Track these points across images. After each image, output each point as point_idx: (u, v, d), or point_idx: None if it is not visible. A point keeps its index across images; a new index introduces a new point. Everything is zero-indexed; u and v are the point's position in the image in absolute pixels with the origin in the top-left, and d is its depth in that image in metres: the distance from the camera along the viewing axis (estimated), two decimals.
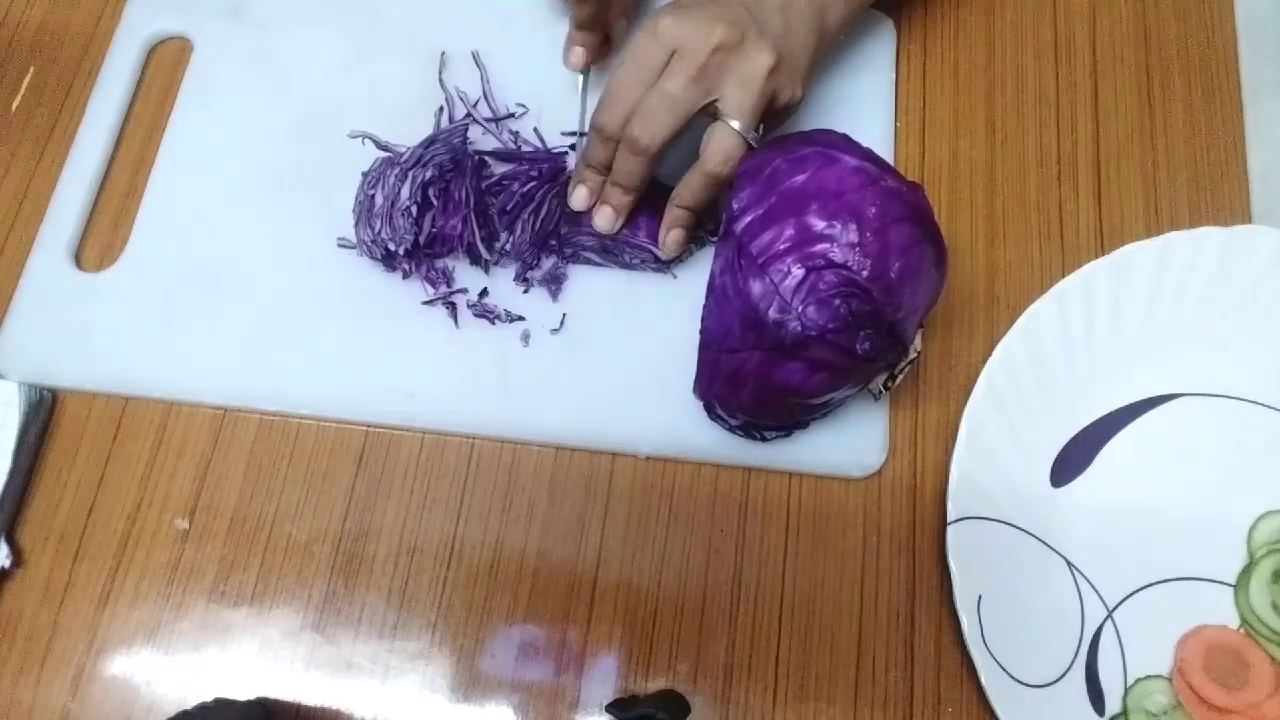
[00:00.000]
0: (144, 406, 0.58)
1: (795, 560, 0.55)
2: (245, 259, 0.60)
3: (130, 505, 0.56)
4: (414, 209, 0.57)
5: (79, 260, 0.61)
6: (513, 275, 0.59)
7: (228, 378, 0.57)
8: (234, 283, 0.59)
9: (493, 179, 0.59)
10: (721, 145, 0.51)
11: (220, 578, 0.55)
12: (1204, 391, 0.57)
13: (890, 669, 0.53)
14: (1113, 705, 0.52)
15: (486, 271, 0.59)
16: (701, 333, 0.50)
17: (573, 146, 0.61)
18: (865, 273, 0.45)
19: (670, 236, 0.56)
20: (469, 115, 0.62)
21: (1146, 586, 0.54)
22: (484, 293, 0.59)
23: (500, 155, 0.61)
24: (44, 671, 0.53)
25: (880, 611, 0.54)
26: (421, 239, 0.57)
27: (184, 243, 0.60)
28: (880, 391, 0.55)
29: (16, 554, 0.55)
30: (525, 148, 0.62)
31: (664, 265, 0.59)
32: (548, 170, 0.59)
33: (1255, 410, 0.57)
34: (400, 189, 0.57)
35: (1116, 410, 0.57)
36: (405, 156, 0.58)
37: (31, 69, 0.66)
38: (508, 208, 0.58)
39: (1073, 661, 0.52)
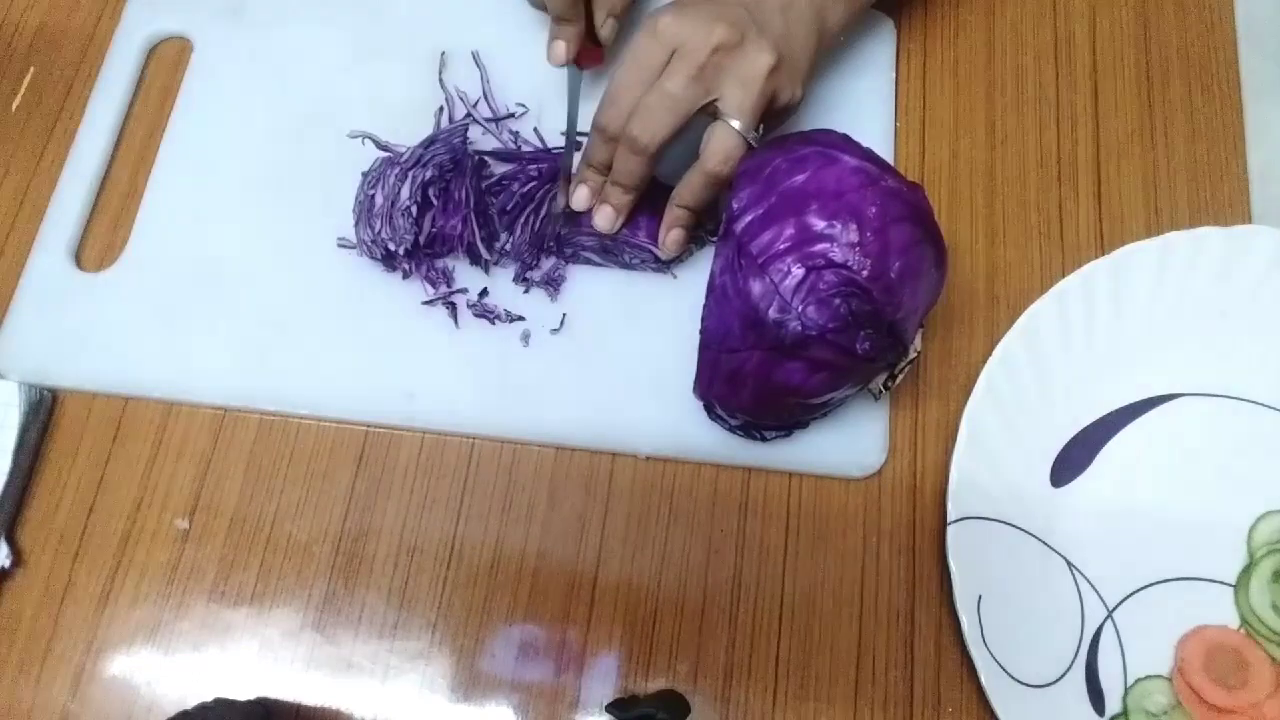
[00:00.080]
0: (144, 406, 0.58)
1: (795, 560, 0.55)
2: (245, 259, 0.60)
3: (130, 505, 0.56)
4: (414, 209, 0.57)
5: (79, 260, 0.61)
6: (512, 275, 0.59)
7: (228, 378, 0.57)
8: (234, 283, 0.59)
9: (493, 179, 0.59)
10: (721, 145, 0.51)
11: (220, 578, 0.55)
12: (1204, 391, 0.57)
13: (890, 669, 0.53)
14: (1113, 705, 0.52)
15: (486, 271, 0.59)
16: (701, 333, 0.50)
17: (563, 147, 0.61)
18: (865, 272, 0.45)
19: (670, 236, 0.56)
20: (469, 115, 0.62)
21: (1146, 586, 0.54)
22: (484, 293, 0.59)
23: (500, 155, 0.61)
24: (44, 671, 0.53)
25: (880, 611, 0.54)
26: (421, 239, 0.57)
27: (184, 243, 0.60)
28: (880, 391, 0.55)
29: (16, 554, 0.55)
30: (525, 148, 0.62)
31: (664, 265, 0.59)
32: (548, 170, 0.59)
33: (1255, 410, 0.57)
34: (400, 189, 0.57)
35: (1116, 410, 0.57)
36: (405, 156, 0.58)
37: (31, 69, 0.66)
38: (508, 208, 0.58)
39: (1073, 661, 0.52)
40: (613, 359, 0.57)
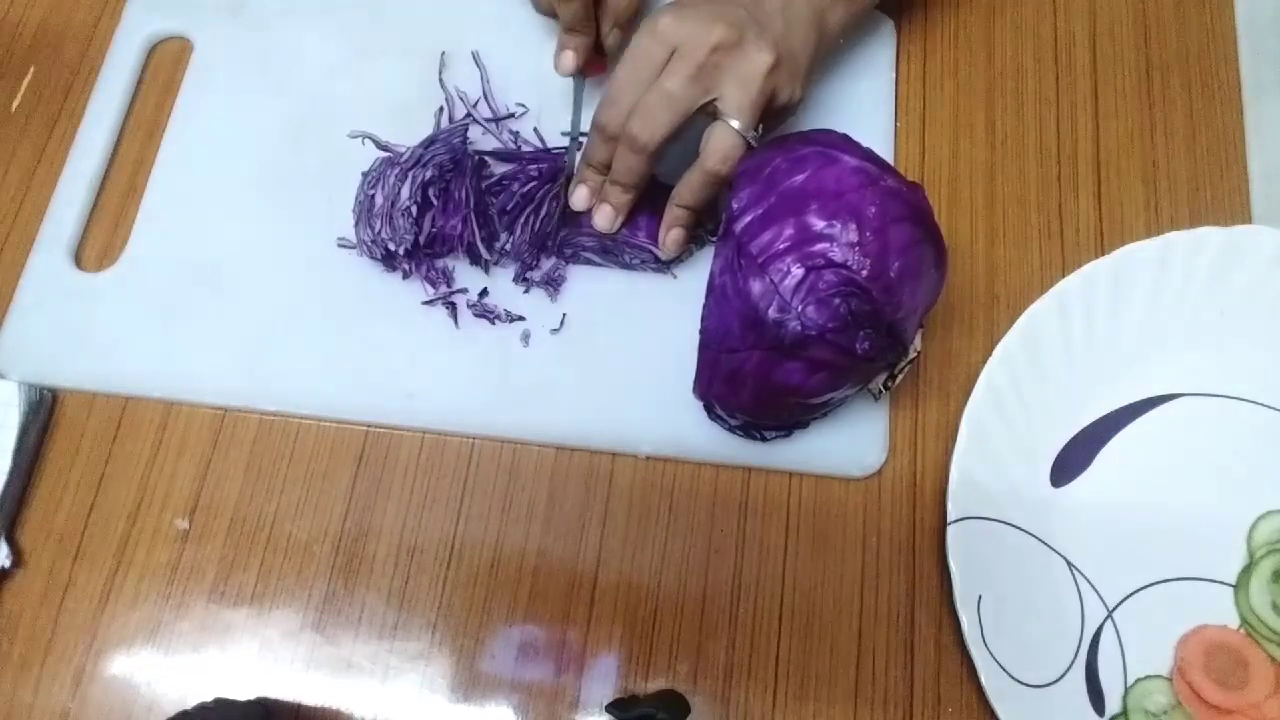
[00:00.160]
0: (144, 406, 0.58)
1: (795, 560, 0.55)
2: (245, 259, 0.60)
3: (130, 505, 0.56)
4: (414, 209, 0.57)
5: (79, 260, 0.61)
6: (512, 275, 0.59)
7: (228, 378, 0.57)
8: (234, 283, 0.59)
9: (493, 179, 0.59)
10: (721, 144, 0.51)
11: (220, 578, 0.55)
12: (1204, 391, 0.57)
13: (890, 669, 0.53)
14: (1113, 705, 0.52)
15: (486, 271, 0.59)
16: (701, 332, 0.50)
17: (564, 148, 0.61)
18: (865, 272, 0.45)
19: (670, 236, 0.56)
20: (469, 115, 0.62)
21: (1146, 586, 0.54)
22: (484, 293, 0.59)
23: (500, 155, 0.61)
24: (44, 671, 0.53)
25: (880, 611, 0.54)
26: (421, 239, 0.57)
27: (184, 243, 0.60)
28: (880, 391, 0.55)
29: (16, 554, 0.55)
30: (525, 148, 0.62)
31: (664, 265, 0.59)
32: (548, 170, 0.59)
33: (1255, 410, 0.57)
34: (400, 189, 0.57)
35: (1116, 410, 0.57)
36: (405, 156, 0.58)
37: (31, 69, 0.66)
38: (508, 208, 0.58)
39: (1073, 661, 0.52)
40: (613, 359, 0.57)
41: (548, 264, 0.59)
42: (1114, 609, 0.53)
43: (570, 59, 0.58)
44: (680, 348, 0.55)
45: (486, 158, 0.60)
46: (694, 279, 0.58)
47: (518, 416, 0.56)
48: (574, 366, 0.57)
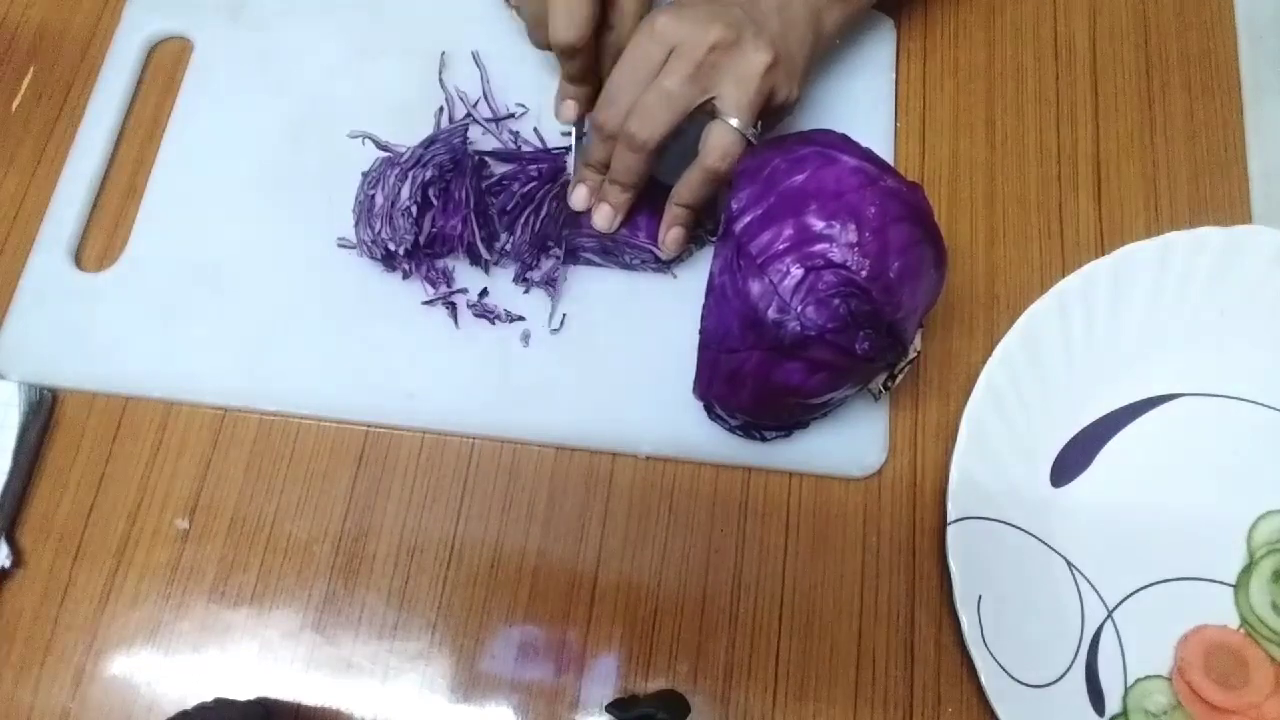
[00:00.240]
0: (144, 406, 0.58)
1: (795, 560, 0.55)
2: (245, 259, 0.60)
3: (130, 505, 0.56)
4: (414, 209, 0.57)
5: (79, 260, 0.61)
6: (512, 275, 0.59)
7: (228, 378, 0.57)
8: (234, 283, 0.59)
9: (493, 179, 0.59)
10: (720, 142, 0.51)
11: (220, 578, 0.55)
12: (1204, 391, 0.57)
13: (890, 669, 0.53)
14: (1113, 705, 0.52)
15: (486, 271, 0.59)
16: (701, 332, 0.50)
17: (564, 148, 0.61)
18: (864, 273, 0.45)
19: (670, 235, 0.56)
20: (469, 115, 0.62)
21: (1146, 586, 0.54)
22: (484, 293, 0.59)
23: (500, 155, 0.61)
24: (44, 671, 0.53)
25: (880, 611, 0.54)
26: (421, 239, 0.57)
27: (184, 243, 0.60)
28: (880, 391, 0.55)
29: (16, 554, 0.55)
30: (525, 148, 0.62)
31: (664, 265, 0.59)
32: (548, 170, 0.59)
33: (1255, 410, 0.57)
34: (400, 189, 0.57)
35: (1116, 410, 0.57)
36: (405, 156, 0.59)
37: (31, 69, 0.66)
38: (508, 208, 0.58)
39: (1073, 661, 0.52)
40: (613, 359, 0.57)
41: (548, 264, 0.59)
42: (1114, 609, 0.53)
43: (572, 109, 0.58)
44: (680, 348, 0.55)
45: (486, 158, 0.60)
46: (694, 279, 0.58)
47: (518, 416, 0.56)
48: (574, 366, 0.57)
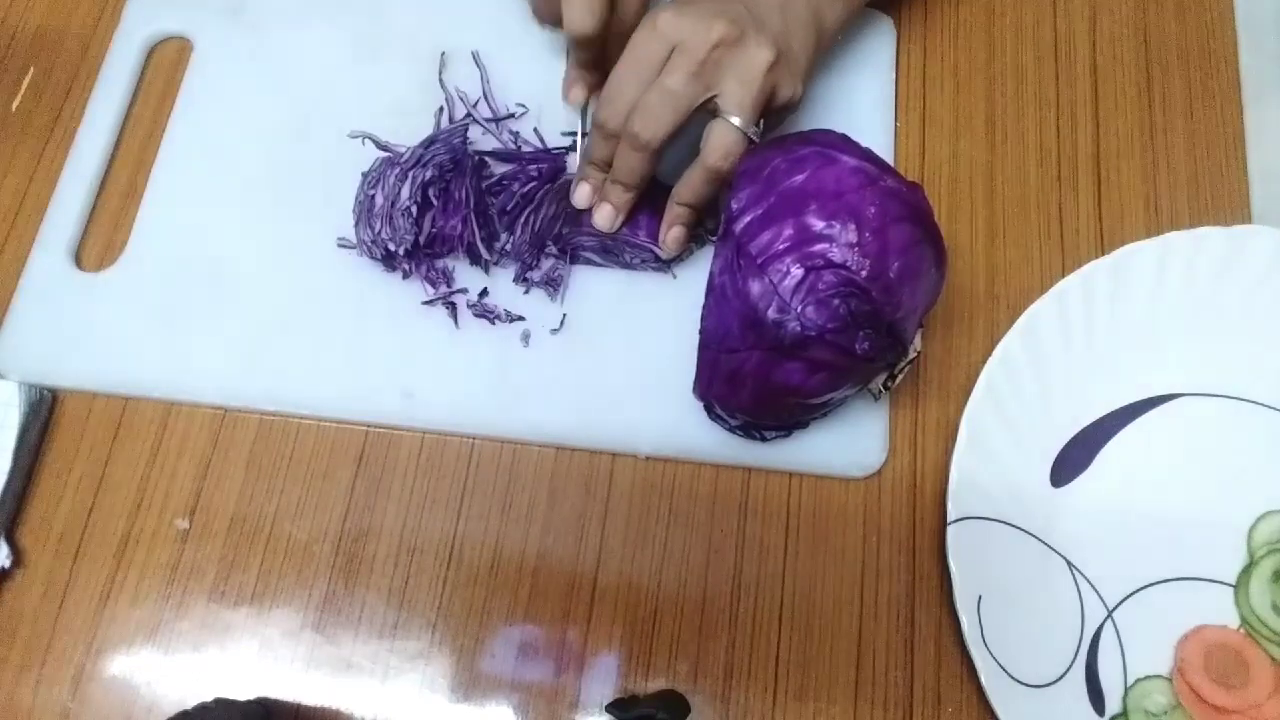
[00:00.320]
0: (144, 406, 0.58)
1: (795, 560, 0.55)
2: (245, 259, 0.60)
3: (130, 505, 0.56)
4: (414, 209, 0.57)
5: (79, 260, 0.61)
6: (513, 276, 0.59)
7: (228, 378, 0.57)
8: (234, 283, 0.59)
9: (493, 179, 0.59)
10: (721, 140, 0.51)
11: (220, 578, 0.55)
12: (1204, 391, 0.57)
13: (890, 669, 0.53)
14: (1113, 705, 0.52)
15: (486, 271, 0.59)
16: (701, 332, 0.50)
17: (564, 148, 0.61)
18: (864, 273, 0.45)
19: (671, 235, 0.56)
20: (469, 115, 0.62)
21: (1146, 586, 0.54)
22: (484, 293, 0.59)
23: (500, 155, 0.61)
24: (44, 671, 0.53)
25: (880, 611, 0.54)
26: (421, 239, 0.57)
27: (184, 243, 0.60)
28: (880, 391, 0.55)
29: (16, 554, 0.55)
30: (525, 148, 0.62)
31: (664, 265, 0.59)
32: (548, 170, 0.59)
33: (1255, 410, 0.57)
34: (400, 189, 0.57)
35: (1116, 410, 0.57)
36: (405, 156, 0.59)
37: (31, 69, 0.66)
38: (508, 208, 0.58)
39: (1073, 661, 0.52)
40: (613, 359, 0.57)
41: (548, 264, 0.59)
42: (1114, 609, 0.53)
43: (581, 92, 0.59)
44: (680, 348, 0.55)
45: (486, 158, 0.60)
46: (694, 279, 0.58)
47: (518, 416, 0.56)
48: (574, 367, 0.57)
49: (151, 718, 0.52)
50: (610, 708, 0.49)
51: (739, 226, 0.47)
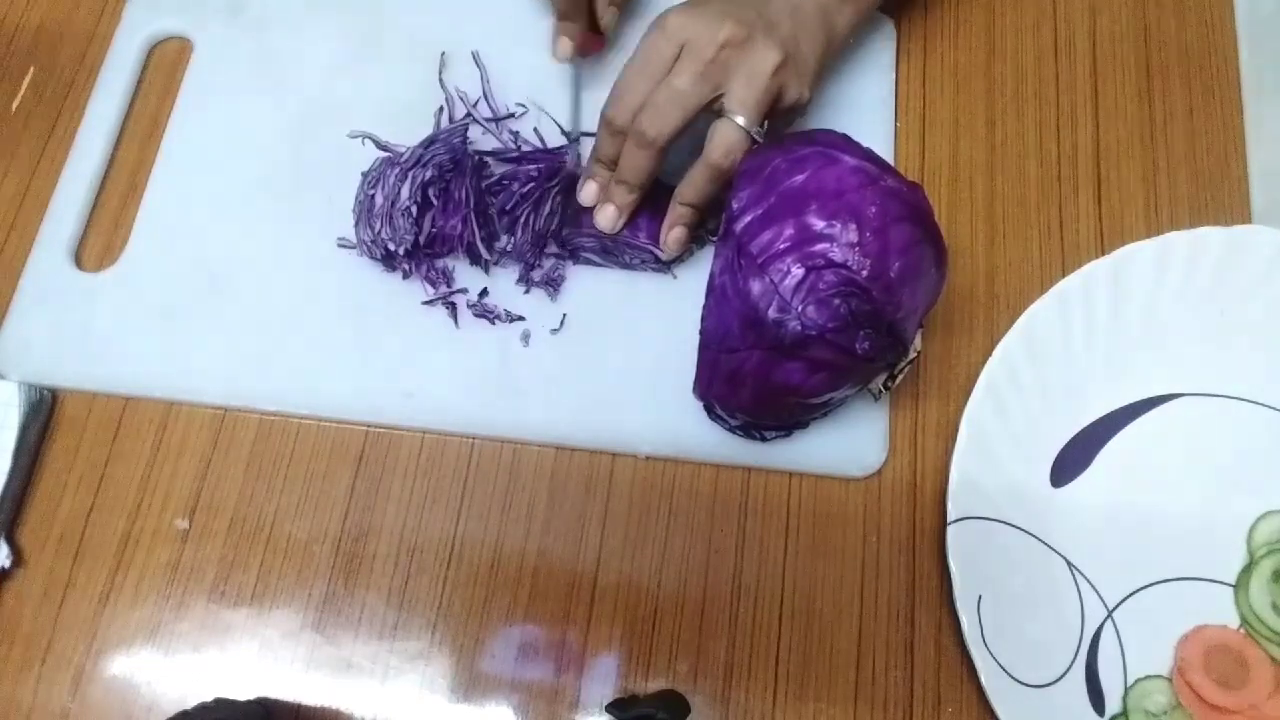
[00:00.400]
0: (144, 406, 0.58)
1: (795, 560, 0.55)
2: (245, 259, 0.60)
3: (130, 505, 0.56)
4: (414, 209, 0.57)
5: (79, 260, 0.61)
6: (514, 276, 0.59)
7: (228, 378, 0.57)
8: (234, 282, 0.59)
9: (493, 179, 0.59)
10: (724, 139, 0.51)
11: (220, 578, 0.55)
12: (1204, 391, 0.57)
13: (890, 669, 0.53)
14: (1113, 705, 0.52)
15: (486, 271, 0.59)
16: (701, 333, 0.50)
17: (564, 147, 0.61)
18: (865, 272, 0.45)
19: (673, 235, 0.56)
20: (469, 115, 0.62)
21: (1146, 586, 0.54)
22: (484, 293, 0.59)
23: (500, 155, 0.61)
24: (44, 671, 0.53)
25: (880, 611, 0.54)
26: (421, 239, 0.57)
27: (184, 243, 0.60)
28: (880, 391, 0.55)
29: (16, 554, 0.55)
30: (525, 148, 0.62)
31: (664, 266, 0.59)
32: (547, 170, 0.59)
33: (1255, 410, 0.57)
34: (400, 189, 0.57)
35: (1116, 410, 0.57)
36: (405, 156, 0.59)
37: (31, 69, 0.66)
38: (508, 208, 0.58)
39: (1073, 661, 0.52)
40: (613, 359, 0.57)
41: (548, 264, 0.59)
42: (1114, 609, 0.53)
43: (566, 46, 0.59)
44: (680, 348, 0.55)
45: (486, 158, 0.60)
46: (694, 279, 0.58)
47: (518, 416, 0.56)
48: (574, 366, 0.57)
49: (151, 718, 0.52)
50: (610, 708, 0.49)
51: (740, 226, 0.47)
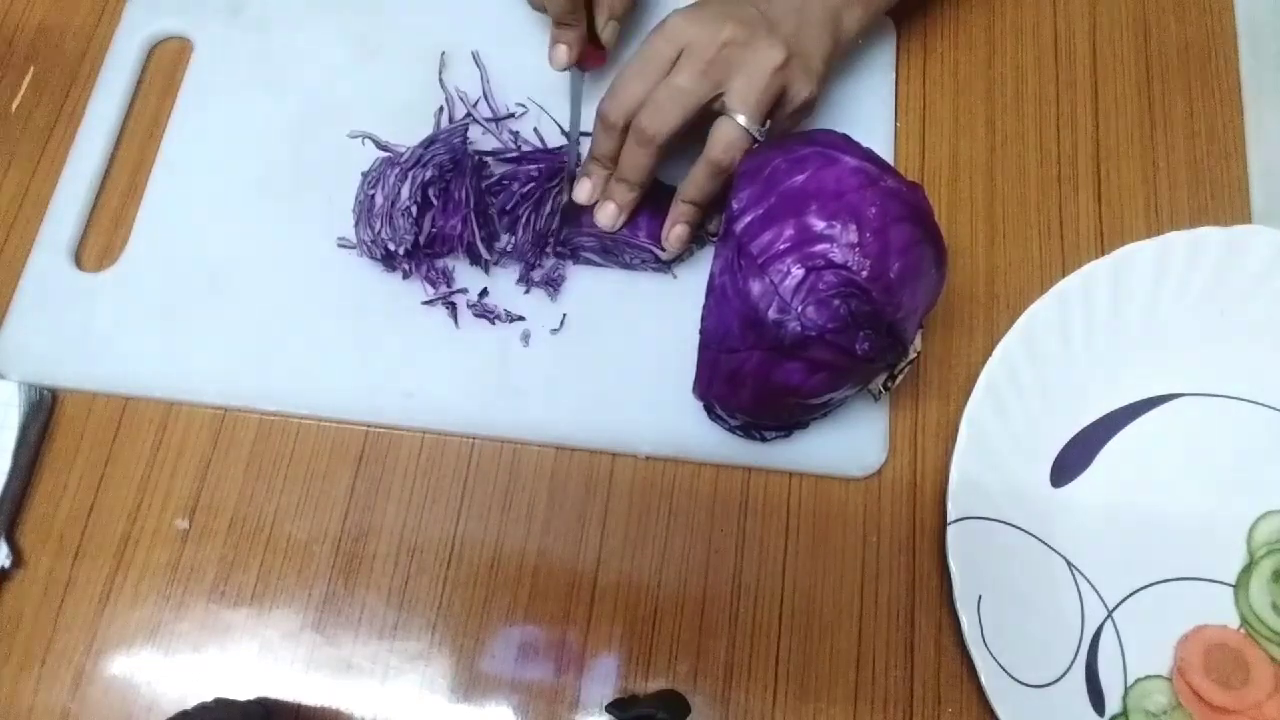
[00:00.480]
0: (144, 406, 0.58)
1: (795, 560, 0.55)
2: (245, 259, 0.60)
3: (130, 505, 0.56)
4: (414, 209, 0.57)
5: (79, 260, 0.61)
6: (514, 276, 0.59)
7: (228, 378, 0.57)
8: (234, 282, 0.59)
9: (493, 179, 0.59)
10: (724, 135, 0.51)
11: (220, 578, 0.55)
12: (1204, 391, 0.57)
13: (890, 669, 0.53)
14: (1113, 705, 0.52)
15: (486, 271, 0.59)
16: (701, 333, 0.50)
17: (564, 147, 0.61)
18: (865, 273, 0.45)
19: (674, 233, 0.56)
20: (469, 115, 0.62)
21: (1146, 586, 0.54)
22: (484, 293, 0.59)
23: (500, 155, 0.61)
24: (44, 671, 0.53)
25: (880, 611, 0.54)
26: (421, 239, 0.57)
27: (184, 243, 0.60)
28: (880, 391, 0.55)
29: (16, 554, 0.55)
30: (525, 148, 0.62)
31: (664, 266, 0.59)
32: (547, 169, 0.59)
33: (1255, 410, 0.57)
34: (400, 189, 0.57)
35: (1116, 410, 0.57)
36: (405, 156, 0.58)
37: (31, 69, 0.66)
38: (507, 208, 0.58)
39: (1073, 661, 0.52)
40: (613, 359, 0.57)
41: (548, 264, 0.59)
42: (1114, 609, 0.53)
43: (564, 53, 0.58)
44: (680, 348, 0.55)
45: (486, 158, 0.60)
46: (694, 279, 0.58)
47: (518, 416, 0.56)
48: (574, 366, 0.57)
49: (151, 718, 0.52)
50: (610, 708, 0.49)
51: (740, 226, 0.47)
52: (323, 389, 0.57)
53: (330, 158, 0.62)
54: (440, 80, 0.64)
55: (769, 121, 0.52)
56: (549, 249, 0.58)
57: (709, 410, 0.56)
